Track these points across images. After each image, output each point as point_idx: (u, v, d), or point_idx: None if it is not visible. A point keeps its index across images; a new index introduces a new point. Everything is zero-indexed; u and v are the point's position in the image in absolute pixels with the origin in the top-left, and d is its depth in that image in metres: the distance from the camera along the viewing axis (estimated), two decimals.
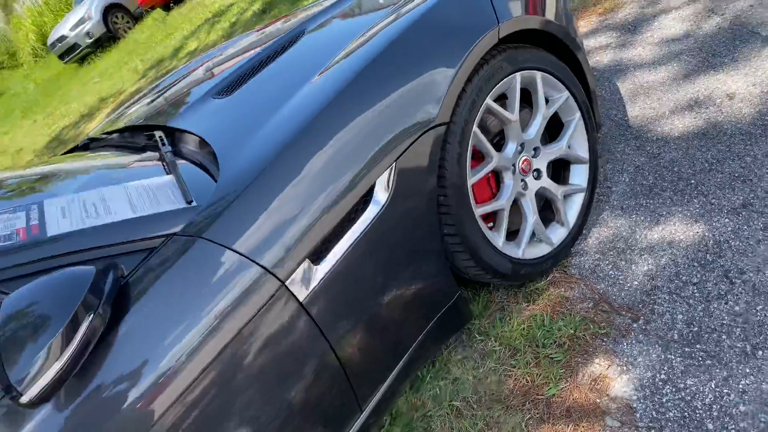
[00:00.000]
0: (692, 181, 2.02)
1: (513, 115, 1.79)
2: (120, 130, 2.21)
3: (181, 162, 1.64)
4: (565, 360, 1.73)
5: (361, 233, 1.49)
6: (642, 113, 2.41)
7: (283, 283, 1.36)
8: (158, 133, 1.81)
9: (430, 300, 1.70)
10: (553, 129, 2.01)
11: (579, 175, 2.05)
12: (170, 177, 1.53)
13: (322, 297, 1.43)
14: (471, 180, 1.71)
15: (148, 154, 1.78)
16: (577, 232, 2.03)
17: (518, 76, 1.79)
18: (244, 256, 1.33)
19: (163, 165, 1.62)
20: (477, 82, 1.69)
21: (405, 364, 1.68)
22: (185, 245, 1.32)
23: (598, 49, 2.97)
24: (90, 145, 2.32)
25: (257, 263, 1.33)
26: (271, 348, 1.36)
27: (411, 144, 1.56)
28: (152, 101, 2.38)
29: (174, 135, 1.83)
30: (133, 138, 2.03)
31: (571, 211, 2.02)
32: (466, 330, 1.97)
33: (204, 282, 1.29)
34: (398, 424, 1.80)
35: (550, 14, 1.91)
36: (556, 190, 1.96)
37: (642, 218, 2.01)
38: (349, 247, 1.47)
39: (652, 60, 2.67)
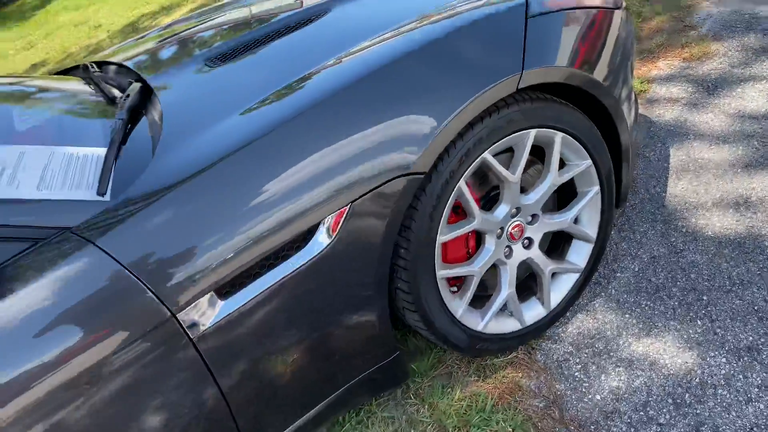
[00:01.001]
0: (704, 298, 1.74)
1: (514, 176, 1.54)
2: (113, 63, 2.04)
3: (141, 131, 1.47)
4: None
5: (289, 274, 1.30)
6: (683, 194, 2.10)
7: (173, 315, 1.19)
8: (132, 88, 1.63)
9: (362, 355, 1.51)
10: (564, 192, 1.75)
11: (579, 254, 1.79)
12: (103, 152, 1.36)
13: (221, 336, 1.26)
14: (442, 237, 1.49)
15: (111, 110, 1.61)
16: (558, 316, 1.80)
17: (532, 133, 1.53)
18: (134, 275, 1.16)
19: (111, 132, 1.45)
20: (478, 131, 1.45)
21: (317, 413, 1.51)
22: (74, 246, 1.16)
23: (665, 100, 2.62)
24: (83, 69, 2.16)
25: (148, 288, 1.16)
26: (145, 382, 1.21)
27: (376, 187, 1.34)
28: (173, 36, 2.18)
29: (151, 94, 1.65)
30: (114, 80, 1.86)
31: (557, 292, 1.78)
32: (404, 384, 1.78)
33: (80, 293, 1.13)
34: None
35: (600, 70, 1.62)
36: (545, 265, 1.71)
37: (634, 322, 1.75)
38: (270, 287, 1.29)
39: (718, 133, 2.33)
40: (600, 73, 1.63)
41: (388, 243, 1.40)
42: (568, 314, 1.84)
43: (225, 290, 1.26)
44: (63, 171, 1.29)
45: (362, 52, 1.46)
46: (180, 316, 1.20)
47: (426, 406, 1.70)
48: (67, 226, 1.18)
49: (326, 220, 1.31)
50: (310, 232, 1.31)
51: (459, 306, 1.60)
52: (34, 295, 1.12)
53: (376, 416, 1.72)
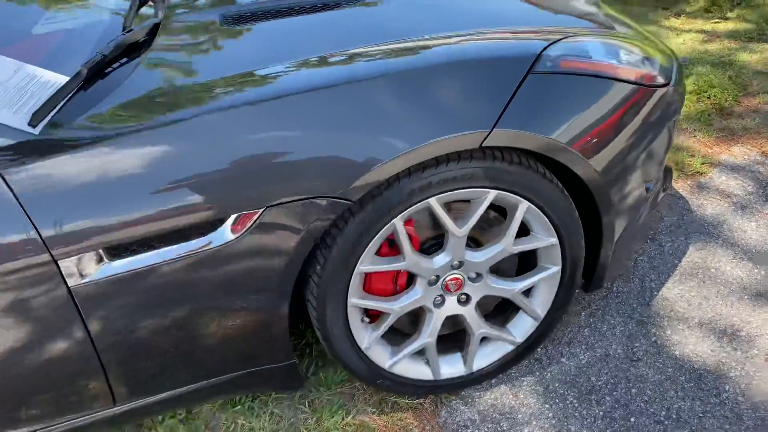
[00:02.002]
0: (631, 420, 1.60)
1: (459, 230, 1.46)
2: None
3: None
4: None
5: (184, 255, 1.30)
6: (674, 300, 1.92)
7: (54, 260, 1.22)
8: (140, 27, 1.65)
9: (253, 352, 1.50)
10: (529, 258, 1.64)
11: (521, 327, 1.69)
12: (64, 80, 1.39)
13: (101, 294, 1.28)
14: (365, 267, 1.43)
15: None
16: (484, 377, 1.71)
17: (492, 194, 1.43)
18: (26, 212, 1.19)
19: (83, 64, 1.46)
20: (429, 175, 1.37)
21: (196, 389, 1.53)
22: None
23: (716, 191, 2.38)
24: None
25: (36, 228, 1.19)
26: (18, 315, 1.25)
27: (296, 200, 1.30)
28: None
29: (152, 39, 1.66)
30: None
31: (486, 357, 1.69)
32: (304, 390, 1.77)
33: None
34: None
35: (602, 154, 1.48)
36: (477, 327, 1.63)
37: (550, 415, 1.64)
38: (162, 262, 1.29)
39: (749, 248, 2.09)
40: (600, 157, 1.48)
41: (298, 256, 1.36)
42: (494, 381, 1.75)
43: (115, 252, 1.27)
44: (17, 91, 1.33)
45: (343, 61, 1.39)
46: (61, 263, 1.22)
47: (314, 418, 1.69)
48: None
49: (234, 215, 1.29)
50: (216, 223, 1.30)
51: (367, 338, 1.55)
52: None
53: (267, 409, 1.73)
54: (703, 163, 2.54)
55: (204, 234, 1.30)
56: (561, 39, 1.55)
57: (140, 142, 1.24)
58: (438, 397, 1.72)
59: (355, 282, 1.45)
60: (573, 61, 1.48)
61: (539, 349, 1.82)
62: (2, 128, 1.25)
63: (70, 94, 1.35)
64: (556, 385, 1.71)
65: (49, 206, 1.20)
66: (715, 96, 2.98)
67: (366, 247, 1.40)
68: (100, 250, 1.25)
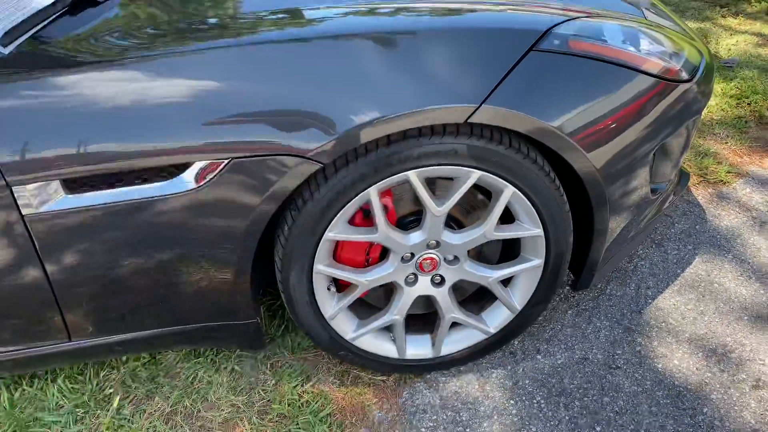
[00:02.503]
0: (598, 429, 1.53)
1: (438, 209, 1.38)
2: None
3: None
4: None
5: (145, 198, 1.25)
6: (668, 311, 1.82)
7: (9, 186, 1.19)
8: None
9: (211, 306, 1.47)
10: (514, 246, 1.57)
11: (495, 318, 1.62)
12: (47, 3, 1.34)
13: (56, 226, 1.25)
14: (334, 234, 1.37)
15: None
16: (443, 364, 1.65)
17: (476, 174, 1.35)
18: None
19: None
20: (410, 146, 1.29)
21: (154, 335, 1.51)
22: None
23: (737, 204, 2.24)
24: None
25: None
26: None
27: (264, 155, 1.24)
28: None
29: None
30: None
31: (455, 343, 1.63)
32: (268, 350, 1.74)
33: None
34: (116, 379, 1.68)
35: (605, 147, 1.38)
36: (448, 311, 1.56)
37: (513, 412, 1.58)
38: (121, 201, 1.25)
39: (758, 268, 1.97)
40: (602, 151, 1.38)
41: (263, 214, 1.30)
42: (463, 368, 1.69)
43: (73, 185, 1.23)
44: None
45: (335, 15, 1.32)
46: (15, 189, 1.19)
47: (273, 381, 1.66)
48: None
49: (200, 164, 1.24)
50: (180, 168, 1.25)
51: (332, 307, 1.50)
52: None
53: (228, 365, 1.70)
54: (728, 172, 2.40)
55: (166, 179, 1.26)
56: (577, 17, 1.44)
57: (109, 73, 1.19)
58: (402, 376, 1.67)
59: (324, 249, 1.39)
60: (585, 42, 1.37)
61: (515, 342, 1.74)
62: None
63: (49, 18, 1.30)
64: (527, 382, 1.64)
65: (8, 129, 1.16)
66: (756, 103, 2.80)
67: (336, 214, 1.34)
68: (58, 182, 1.22)
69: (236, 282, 1.41)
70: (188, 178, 1.25)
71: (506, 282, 1.59)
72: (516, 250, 1.56)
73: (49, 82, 1.17)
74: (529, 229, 1.46)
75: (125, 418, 1.59)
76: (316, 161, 1.25)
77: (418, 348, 1.62)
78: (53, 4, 1.30)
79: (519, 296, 1.58)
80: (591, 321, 1.80)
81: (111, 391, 1.67)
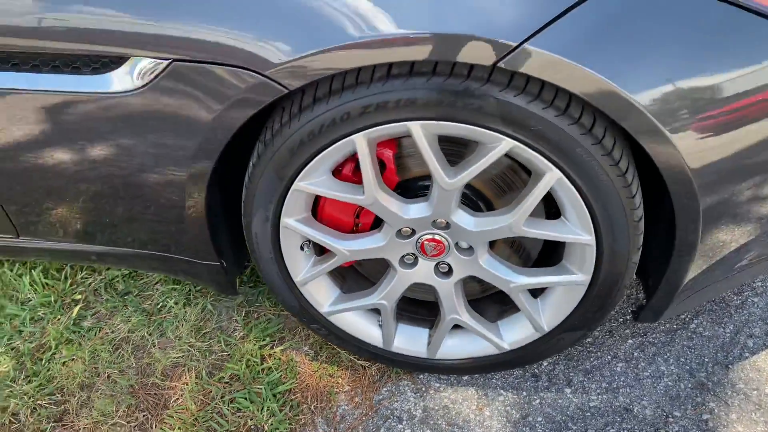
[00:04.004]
0: None
1: (448, 181, 1.00)
2: None
3: None
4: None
5: (65, 90, 1.00)
6: (732, 396, 1.34)
7: None
8: None
9: (167, 236, 1.23)
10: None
11: (515, 332, 1.25)
12: None
13: None
14: (306, 184, 1.05)
15: None
16: (437, 369, 1.32)
17: (507, 144, 0.95)
18: None
19: None
20: (414, 87, 0.91)
21: (105, 252, 1.31)
22: None
23: None
24: None
25: None
26: None
27: (212, 63, 0.92)
28: None
29: None
30: None
31: (457, 348, 1.29)
32: (250, 296, 1.49)
33: None
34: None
35: (714, 148, 0.91)
36: (451, 311, 1.21)
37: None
38: (41, 90, 1.01)
39: None
40: (706, 147, 0.92)
41: (215, 137, 1.00)
42: (467, 378, 1.34)
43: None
44: None
45: None
46: None
47: (241, 333, 1.42)
48: None
49: (138, 60, 0.95)
50: (114, 62, 0.97)
51: (303, 270, 1.19)
52: None
53: (201, 302, 1.49)
54: None
55: (98, 73, 0.98)
56: None
57: None
58: (389, 369, 1.35)
59: (294, 199, 1.08)
60: None
61: (544, 364, 1.36)
62: None
63: None
64: (539, 419, 1.27)
65: None
66: None
67: (310, 158, 1.01)
68: None
69: (187, 214, 1.14)
70: (124, 75, 0.97)
71: (539, 290, 1.19)
72: (559, 254, 1.15)
73: None
74: (575, 232, 1.04)
75: (78, 332, 1.43)
76: (278, 84, 0.91)
77: (411, 342, 1.29)
78: None
79: (550, 314, 1.18)
80: (654, 361, 1.36)
81: (79, 297, 1.51)
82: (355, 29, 0.86)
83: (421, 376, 1.35)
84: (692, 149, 0.91)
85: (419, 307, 1.33)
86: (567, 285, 1.13)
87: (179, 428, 1.25)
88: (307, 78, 0.91)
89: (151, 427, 1.26)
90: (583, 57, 0.84)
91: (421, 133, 0.96)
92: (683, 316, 1.44)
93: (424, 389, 1.32)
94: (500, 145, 0.95)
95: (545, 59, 0.84)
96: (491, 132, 0.94)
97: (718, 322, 1.43)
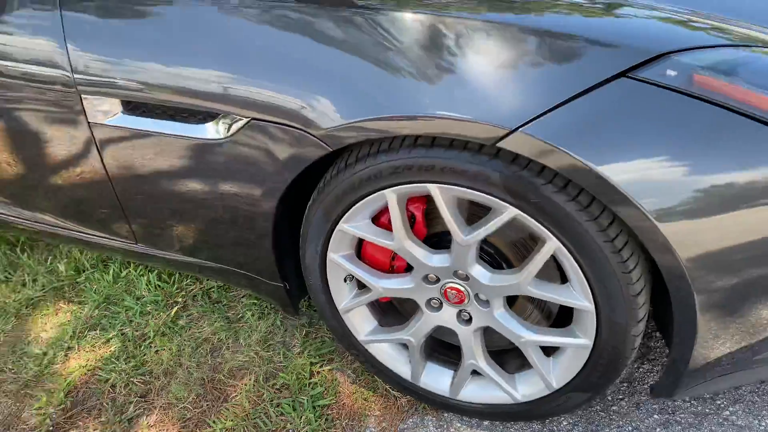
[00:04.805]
0: None
1: (462, 237, 1.16)
2: None
3: None
4: None
5: (180, 135, 1.29)
6: None
7: (78, 91, 1.32)
8: None
9: (243, 256, 1.48)
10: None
11: (529, 385, 1.35)
12: None
13: (114, 138, 1.36)
14: (347, 227, 1.26)
15: None
16: (459, 409, 1.44)
17: (511, 212, 1.09)
18: (66, 43, 1.29)
19: None
20: (434, 156, 1.09)
21: (199, 265, 1.59)
22: None
23: None
24: None
25: (68, 54, 1.29)
26: (50, 134, 1.42)
27: (278, 123, 1.17)
28: None
29: None
30: None
31: (477, 391, 1.41)
32: (312, 318, 1.70)
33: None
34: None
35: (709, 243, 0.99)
36: (470, 356, 1.34)
37: None
38: (157, 132, 1.31)
39: None
40: (694, 240, 0.99)
41: (277, 182, 1.24)
42: (487, 424, 1.45)
43: (130, 106, 1.31)
44: None
45: None
46: (84, 96, 1.32)
47: (298, 349, 1.63)
48: None
49: (228, 116, 1.22)
50: (209, 116, 1.25)
51: (345, 300, 1.39)
52: None
53: (272, 318, 1.72)
54: None
55: (199, 123, 1.27)
56: (729, 46, 1.04)
57: (168, 13, 1.23)
58: (418, 403, 1.50)
59: (339, 238, 1.29)
60: (716, 80, 0.98)
61: (563, 422, 1.43)
62: None
63: None
64: None
65: (87, 43, 1.28)
66: None
67: (351, 205, 1.22)
68: (118, 101, 1.31)
69: (257, 241, 1.39)
70: (213, 127, 1.25)
71: (552, 349, 1.29)
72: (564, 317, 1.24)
73: (129, 13, 1.25)
74: (577, 298, 1.14)
75: (172, 328, 1.73)
76: (325, 144, 1.13)
77: (437, 381, 1.43)
78: None
79: (559, 373, 1.27)
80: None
81: (180, 300, 1.82)
82: (388, 107, 1.06)
83: (446, 414, 1.47)
84: (682, 238, 0.99)
85: (449, 350, 1.46)
86: (571, 347, 1.22)
87: (231, 420, 1.48)
88: (348, 141, 1.12)
89: (211, 416, 1.51)
90: (573, 145, 0.97)
91: (439, 194, 1.13)
92: (718, 401, 1.44)
93: (445, 426, 1.45)
94: (505, 213, 1.09)
95: (537, 143, 0.99)
96: (497, 200, 1.09)
97: (756, 413, 1.41)
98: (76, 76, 1.30)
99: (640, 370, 1.52)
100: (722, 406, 1.43)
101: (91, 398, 1.59)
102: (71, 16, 1.30)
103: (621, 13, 1.14)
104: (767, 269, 1.03)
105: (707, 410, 1.42)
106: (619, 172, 0.97)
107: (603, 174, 0.97)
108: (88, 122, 1.35)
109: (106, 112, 1.33)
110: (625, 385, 1.49)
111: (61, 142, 1.43)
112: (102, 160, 1.41)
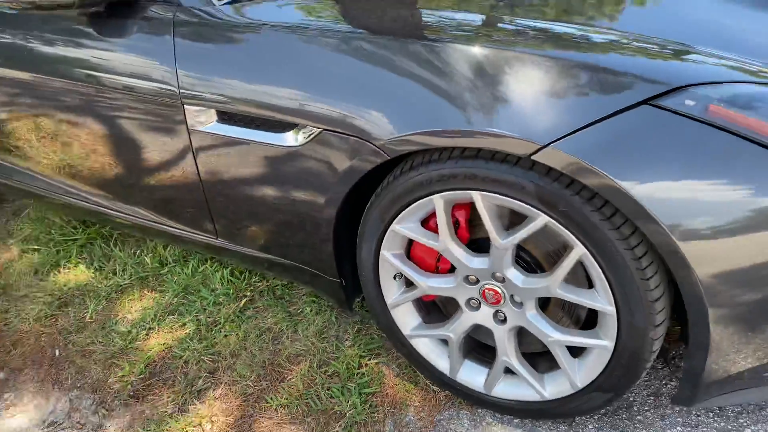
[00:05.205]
0: None
1: (500, 241, 1.32)
2: None
3: None
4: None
5: (255, 142, 1.51)
6: None
7: (182, 102, 1.57)
8: None
9: (306, 253, 1.67)
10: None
11: (556, 384, 1.47)
12: None
13: (208, 144, 1.60)
14: (399, 228, 1.43)
15: None
16: (491, 405, 1.57)
17: (543, 219, 1.24)
18: (176, 64, 1.55)
19: None
20: (476, 166, 1.26)
21: (268, 260, 1.79)
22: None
23: None
24: None
25: (177, 74, 1.55)
26: (157, 136, 1.67)
27: (345, 134, 1.37)
28: None
29: None
30: None
31: (508, 388, 1.53)
32: (363, 317, 1.88)
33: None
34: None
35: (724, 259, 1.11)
36: (503, 353, 1.48)
37: None
38: (245, 140, 1.53)
39: None
40: (715, 256, 1.11)
41: (341, 186, 1.44)
42: (518, 421, 1.57)
43: (224, 116, 1.55)
44: None
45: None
46: (186, 106, 1.57)
47: (349, 342, 1.80)
48: None
49: (304, 127, 1.43)
50: (288, 126, 1.46)
51: (393, 295, 1.56)
52: None
53: (328, 314, 1.90)
54: None
55: (280, 132, 1.48)
56: (747, 82, 1.17)
57: (259, 39, 1.46)
58: (454, 397, 1.64)
59: (391, 238, 1.46)
60: (730, 111, 1.11)
61: (589, 424, 1.53)
62: None
63: None
64: None
65: (192, 63, 1.53)
66: None
67: (402, 208, 1.40)
68: (213, 111, 1.55)
69: (320, 238, 1.58)
70: (292, 136, 1.46)
71: (580, 350, 1.41)
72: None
73: (228, 35, 1.50)
74: (600, 302, 1.27)
75: (240, 317, 1.94)
76: (381, 151, 1.32)
77: (473, 376, 1.57)
78: None
79: (585, 373, 1.39)
80: None
81: (249, 294, 2.03)
82: (439, 122, 1.24)
83: (480, 410, 1.60)
84: (699, 254, 1.10)
85: (485, 350, 1.60)
86: (595, 348, 1.34)
87: (286, 399, 1.66)
88: (403, 151, 1.30)
89: (269, 393, 1.69)
90: (597, 160, 1.12)
91: (480, 200, 1.29)
92: (741, 419, 1.51)
93: (478, 420, 1.58)
94: (538, 220, 1.25)
95: (566, 158, 1.14)
96: (531, 208, 1.24)
97: None
98: (181, 90, 1.54)
99: (668, 386, 1.60)
100: (744, 424, 1.50)
101: (167, 371, 1.81)
102: (181, 42, 1.55)
103: (665, 52, 1.28)
104: None
105: (729, 427, 1.50)
106: (638, 187, 1.11)
107: (623, 188, 1.11)
108: (188, 129, 1.60)
109: (203, 121, 1.57)
110: (653, 398, 1.58)
111: (163, 146, 1.68)
112: (196, 163, 1.65)
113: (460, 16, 1.52)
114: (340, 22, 1.50)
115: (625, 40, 1.31)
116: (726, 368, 1.26)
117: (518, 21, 1.45)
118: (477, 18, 1.50)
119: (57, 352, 1.94)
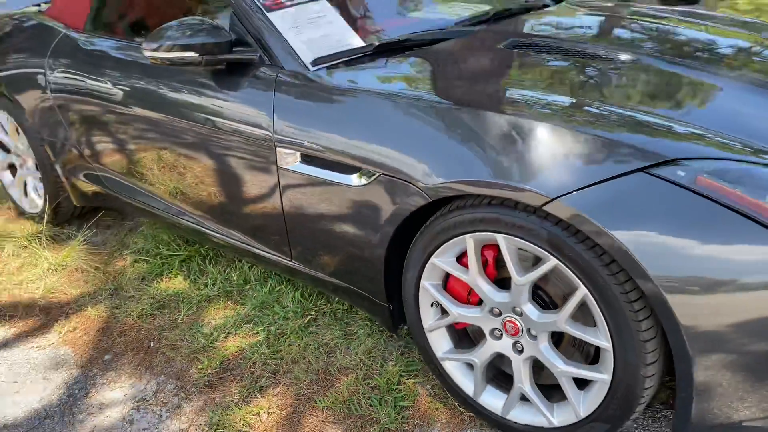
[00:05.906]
0: None
1: (519, 278, 1.55)
2: None
3: None
4: None
5: (329, 181, 1.84)
6: None
7: (275, 144, 1.94)
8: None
9: (361, 279, 1.96)
10: None
11: (564, 413, 1.65)
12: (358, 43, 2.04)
13: (292, 181, 1.95)
14: (437, 261, 1.70)
15: None
16: (507, 428, 1.76)
17: (552, 261, 1.47)
18: (273, 115, 1.93)
19: None
20: (500, 212, 1.52)
21: (331, 284, 2.10)
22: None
23: None
24: None
25: (273, 124, 1.93)
26: (252, 172, 2.05)
27: (397, 178, 1.67)
28: None
29: None
30: None
31: (523, 413, 1.72)
32: (407, 341, 2.13)
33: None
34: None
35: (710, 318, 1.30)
36: (519, 381, 1.68)
37: None
38: (321, 178, 1.87)
39: None
40: (700, 315, 1.30)
41: (391, 222, 1.73)
42: None
43: (306, 158, 1.90)
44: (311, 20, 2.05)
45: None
46: (278, 148, 1.93)
47: (392, 362, 2.06)
48: None
49: (368, 171, 1.75)
50: (354, 170, 1.78)
51: (430, 321, 1.81)
52: None
53: (377, 336, 2.17)
54: None
55: (348, 174, 1.81)
56: (735, 159, 1.38)
57: (340, 98, 1.81)
58: (478, 419, 1.84)
59: (431, 269, 1.73)
60: (715, 182, 1.32)
61: None
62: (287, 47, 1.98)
63: (352, 56, 2.00)
64: None
65: (287, 114, 1.90)
66: None
67: (440, 244, 1.67)
68: (299, 154, 1.91)
69: (372, 266, 1.87)
70: (355, 177, 1.78)
71: (585, 383, 1.60)
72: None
73: (327, 98, 1.86)
74: (599, 338, 1.47)
75: (303, 331, 2.25)
76: (425, 195, 1.61)
77: (493, 400, 1.77)
78: (364, 46, 1.99)
79: (588, 404, 1.57)
80: None
81: (313, 313, 2.34)
82: (473, 173, 1.52)
83: None
84: (684, 306, 1.29)
85: (506, 378, 1.80)
86: (597, 381, 1.52)
87: (332, 402, 1.93)
88: (443, 196, 1.58)
89: (318, 396, 1.97)
90: (597, 214, 1.35)
91: (503, 242, 1.54)
92: None
93: None
94: (549, 262, 1.48)
95: (570, 210, 1.38)
96: (544, 251, 1.48)
97: None
98: (276, 135, 1.92)
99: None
100: None
101: (238, 368, 2.13)
102: (280, 97, 1.93)
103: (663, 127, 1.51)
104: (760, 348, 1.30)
105: None
106: (630, 240, 1.33)
107: (617, 238, 1.33)
108: (277, 167, 1.96)
109: (289, 161, 1.93)
110: None
111: (257, 180, 2.05)
112: (281, 196, 2.01)
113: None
114: (415, 89, 1.81)
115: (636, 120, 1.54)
116: (716, 416, 1.41)
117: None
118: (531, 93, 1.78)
119: (152, 344, 2.32)
